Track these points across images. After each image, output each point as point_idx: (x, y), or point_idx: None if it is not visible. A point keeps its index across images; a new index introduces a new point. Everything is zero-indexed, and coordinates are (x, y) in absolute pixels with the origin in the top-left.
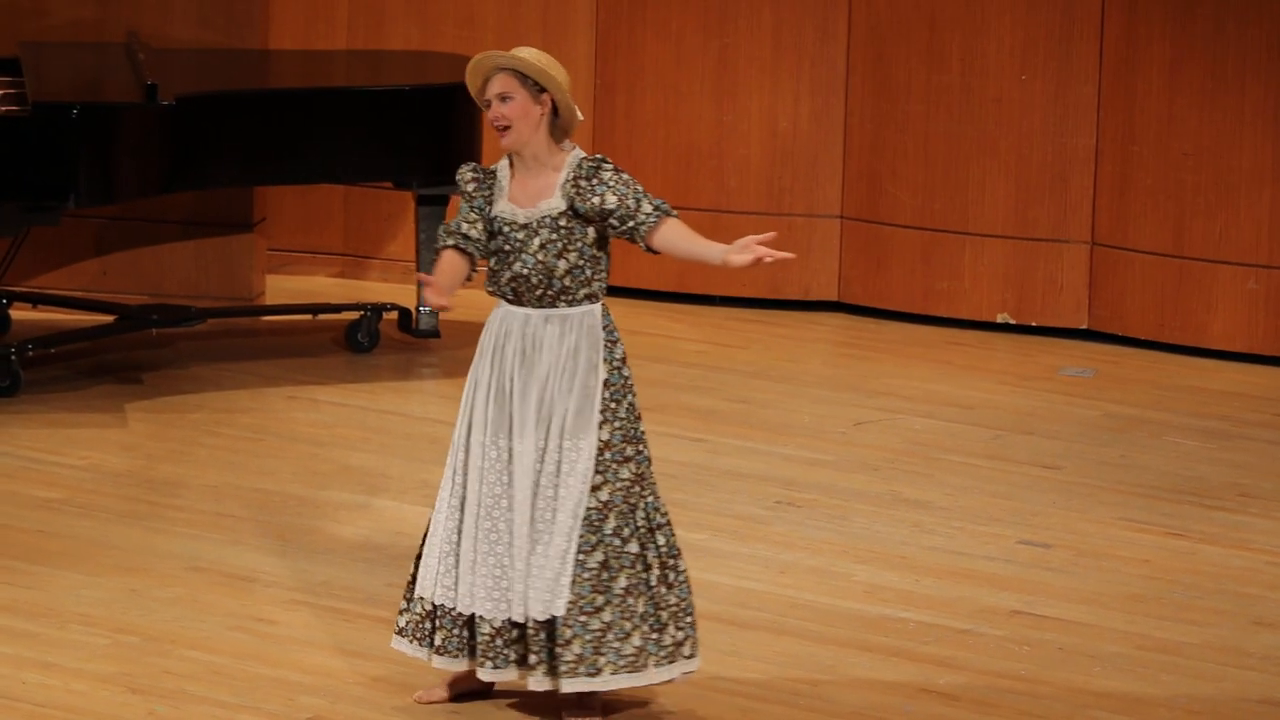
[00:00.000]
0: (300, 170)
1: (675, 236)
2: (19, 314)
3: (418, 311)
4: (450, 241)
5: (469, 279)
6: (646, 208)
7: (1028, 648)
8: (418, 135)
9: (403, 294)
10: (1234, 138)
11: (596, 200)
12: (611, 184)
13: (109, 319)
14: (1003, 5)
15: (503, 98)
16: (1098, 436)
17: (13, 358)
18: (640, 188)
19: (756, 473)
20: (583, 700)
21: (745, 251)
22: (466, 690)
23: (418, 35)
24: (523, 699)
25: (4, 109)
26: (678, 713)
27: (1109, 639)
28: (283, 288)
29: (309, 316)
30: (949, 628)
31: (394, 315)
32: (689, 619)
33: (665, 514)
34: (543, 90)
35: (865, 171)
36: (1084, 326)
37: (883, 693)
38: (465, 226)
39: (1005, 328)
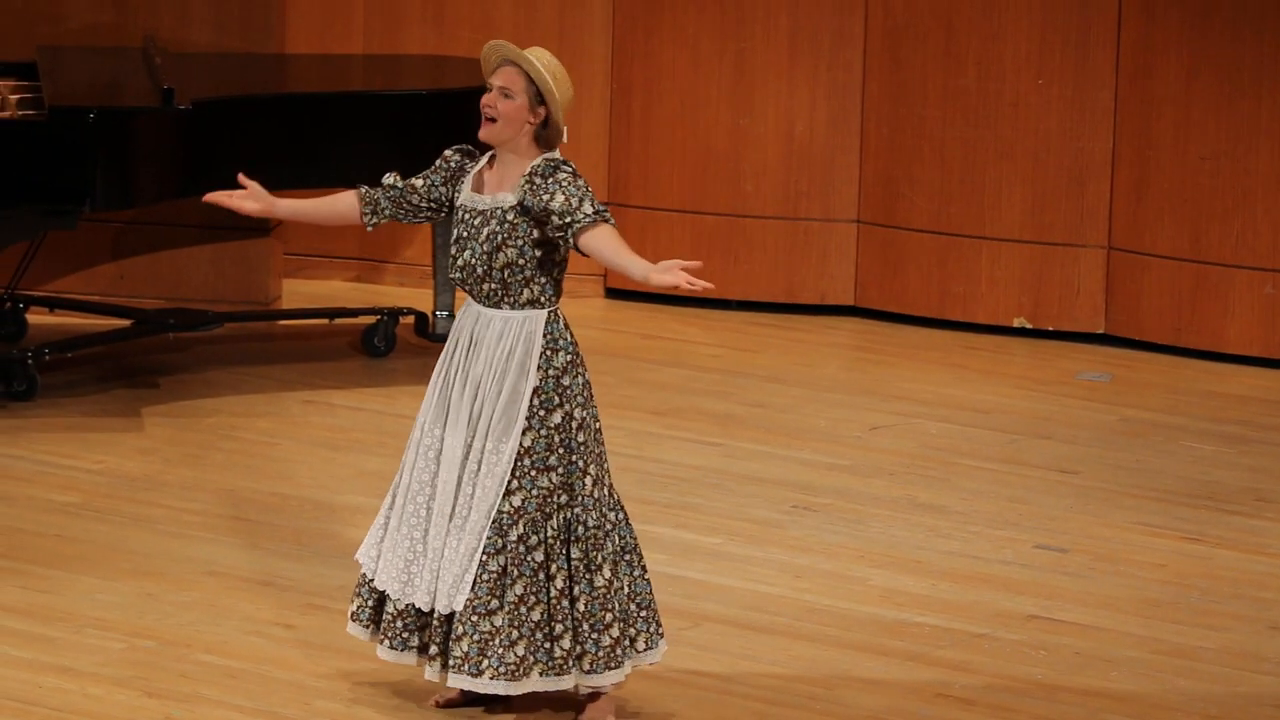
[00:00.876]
0: (317, 174)
1: (603, 242)
2: (36, 318)
3: (434, 316)
4: (364, 187)
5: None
6: (586, 209)
7: (1044, 652)
8: (434, 139)
9: (419, 298)
10: (1251, 142)
11: (545, 197)
12: (564, 184)
13: (126, 323)
14: (1019, 10)
15: (504, 92)
16: (1114, 441)
17: (30, 362)
18: (590, 192)
19: (772, 477)
20: (596, 701)
21: (668, 273)
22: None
23: (434, 39)
24: (539, 702)
25: (21, 113)
26: (694, 716)
27: (1125, 643)
28: (299, 292)
29: (325, 321)
30: (965, 632)
31: (410, 319)
32: (595, 635)
33: (596, 527)
34: (543, 101)
35: (882, 176)
36: (1101, 331)
37: (899, 697)
38: (410, 181)
39: (1022, 332)
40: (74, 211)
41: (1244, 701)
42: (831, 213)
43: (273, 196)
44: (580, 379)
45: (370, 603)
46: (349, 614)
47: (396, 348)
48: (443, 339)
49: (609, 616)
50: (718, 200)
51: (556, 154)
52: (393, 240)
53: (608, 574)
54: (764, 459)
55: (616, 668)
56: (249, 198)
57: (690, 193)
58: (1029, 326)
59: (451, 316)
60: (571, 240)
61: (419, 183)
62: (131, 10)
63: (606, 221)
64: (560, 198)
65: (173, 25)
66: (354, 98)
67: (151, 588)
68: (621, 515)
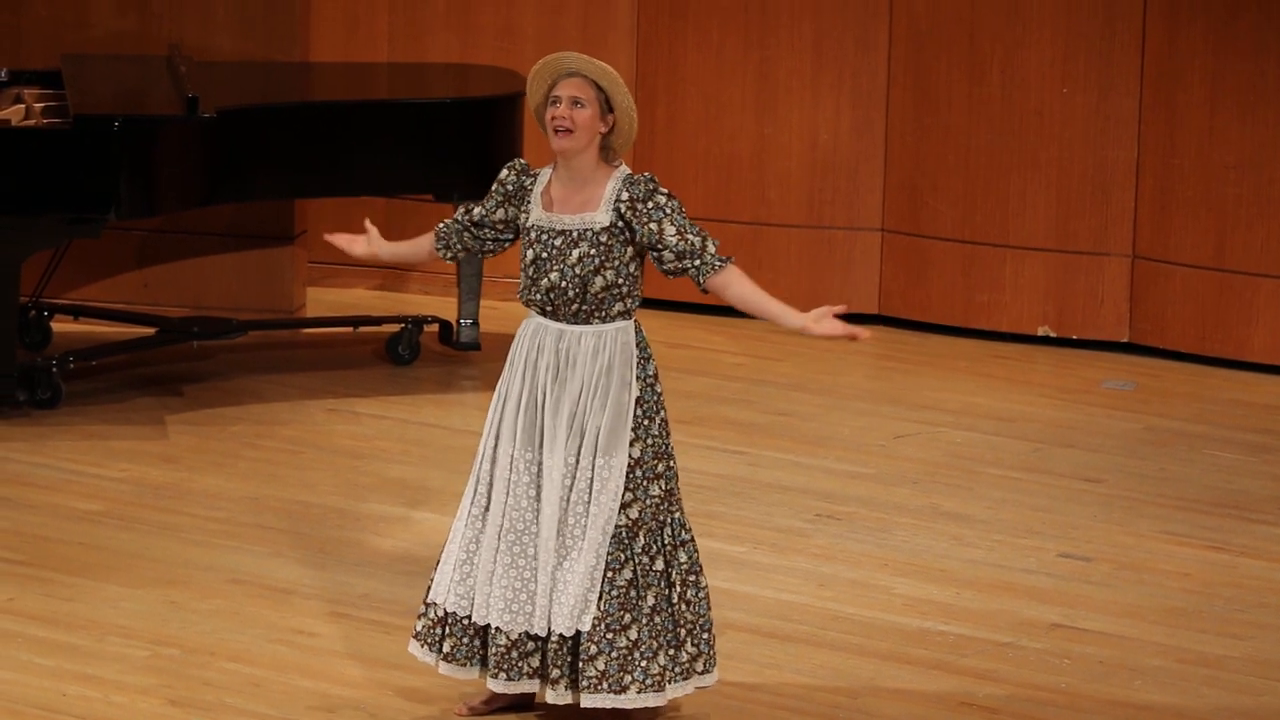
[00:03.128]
0: (341, 183)
1: (740, 288)
2: (60, 326)
3: (458, 324)
4: (441, 223)
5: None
6: (711, 250)
7: (1068, 661)
8: (458, 148)
9: (443, 306)
10: (1275, 150)
11: (654, 227)
12: (668, 212)
13: (150, 331)
14: (1043, 18)
15: (575, 101)
16: (1138, 450)
17: (54, 370)
18: (692, 223)
19: (797, 485)
20: (616, 714)
21: (825, 322)
22: (506, 704)
23: (458, 47)
24: (562, 713)
25: (46, 122)
26: None
27: (1149, 652)
28: (323, 300)
29: (349, 329)
30: (989, 641)
31: (434, 328)
32: (705, 635)
33: (689, 530)
34: (611, 110)
35: (906, 184)
36: (1125, 339)
37: (923, 705)
38: (477, 215)
39: (1046, 340)
40: (98, 220)
41: (1270, 712)
42: (855, 221)
43: (382, 240)
44: (660, 384)
45: (466, 639)
46: (439, 655)
47: (420, 356)
48: (466, 347)
49: (710, 616)
50: (741, 208)
51: (624, 166)
52: None
53: (704, 576)
54: (788, 467)
55: (715, 665)
56: (358, 242)
57: (714, 201)
58: (1053, 335)
59: (475, 325)
60: (700, 282)
61: (478, 211)
62: (156, 19)
63: (731, 262)
64: (671, 229)
65: (197, 33)
66: (378, 106)
67: (175, 596)
68: None
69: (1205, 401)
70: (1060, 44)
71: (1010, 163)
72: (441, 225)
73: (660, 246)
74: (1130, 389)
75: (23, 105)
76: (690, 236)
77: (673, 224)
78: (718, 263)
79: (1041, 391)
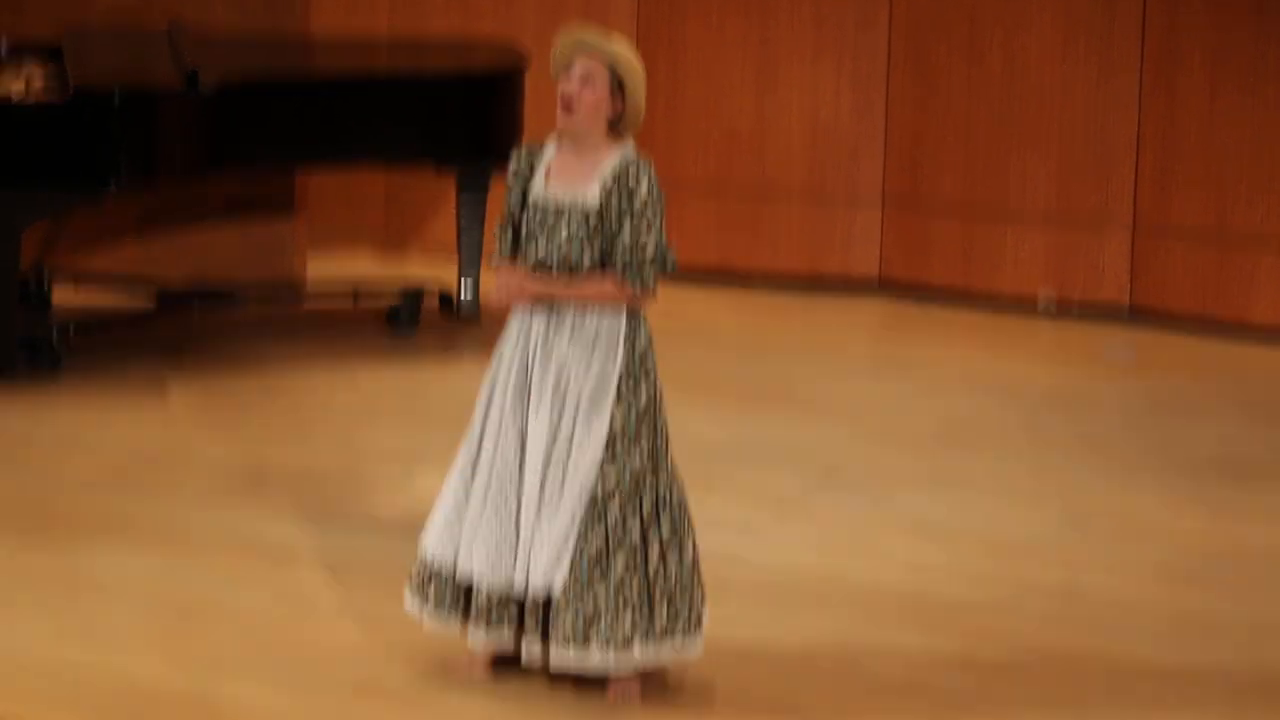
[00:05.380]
0: (342, 155)
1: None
2: (62, 294)
3: (459, 294)
4: (503, 257)
5: None
6: (649, 271)
7: (1069, 623)
8: (459, 120)
9: (444, 277)
10: (1275, 121)
11: (615, 220)
12: (636, 212)
13: (150, 300)
14: None
15: (586, 79)
16: (1139, 416)
17: (55, 338)
18: (655, 231)
19: (797, 450)
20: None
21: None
22: (507, 662)
23: (459, 19)
24: (568, 675)
25: (47, 95)
26: (719, 685)
27: (1149, 614)
28: (324, 271)
29: (350, 299)
30: (989, 602)
31: (435, 298)
32: (686, 603)
33: (678, 498)
34: (623, 95)
35: (906, 156)
36: (1126, 308)
37: (923, 667)
38: (508, 233)
39: (1047, 310)
40: (99, 192)
41: (1268, 672)
42: (856, 194)
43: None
44: (654, 354)
45: (450, 590)
46: (424, 602)
47: (421, 326)
48: (467, 317)
49: (697, 584)
50: (742, 181)
51: (631, 147)
52: (418, 219)
53: (691, 543)
54: (789, 432)
55: (700, 635)
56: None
57: (715, 176)
58: (1054, 304)
59: (476, 295)
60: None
61: (507, 211)
62: None
63: (634, 285)
64: (628, 231)
65: (197, 7)
66: (379, 79)
67: (176, 559)
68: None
69: (1206, 368)
70: (1061, 17)
71: (1010, 139)
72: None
73: (613, 242)
74: (1131, 357)
75: (24, 79)
76: (643, 241)
77: (632, 226)
78: (642, 282)
79: (1042, 360)
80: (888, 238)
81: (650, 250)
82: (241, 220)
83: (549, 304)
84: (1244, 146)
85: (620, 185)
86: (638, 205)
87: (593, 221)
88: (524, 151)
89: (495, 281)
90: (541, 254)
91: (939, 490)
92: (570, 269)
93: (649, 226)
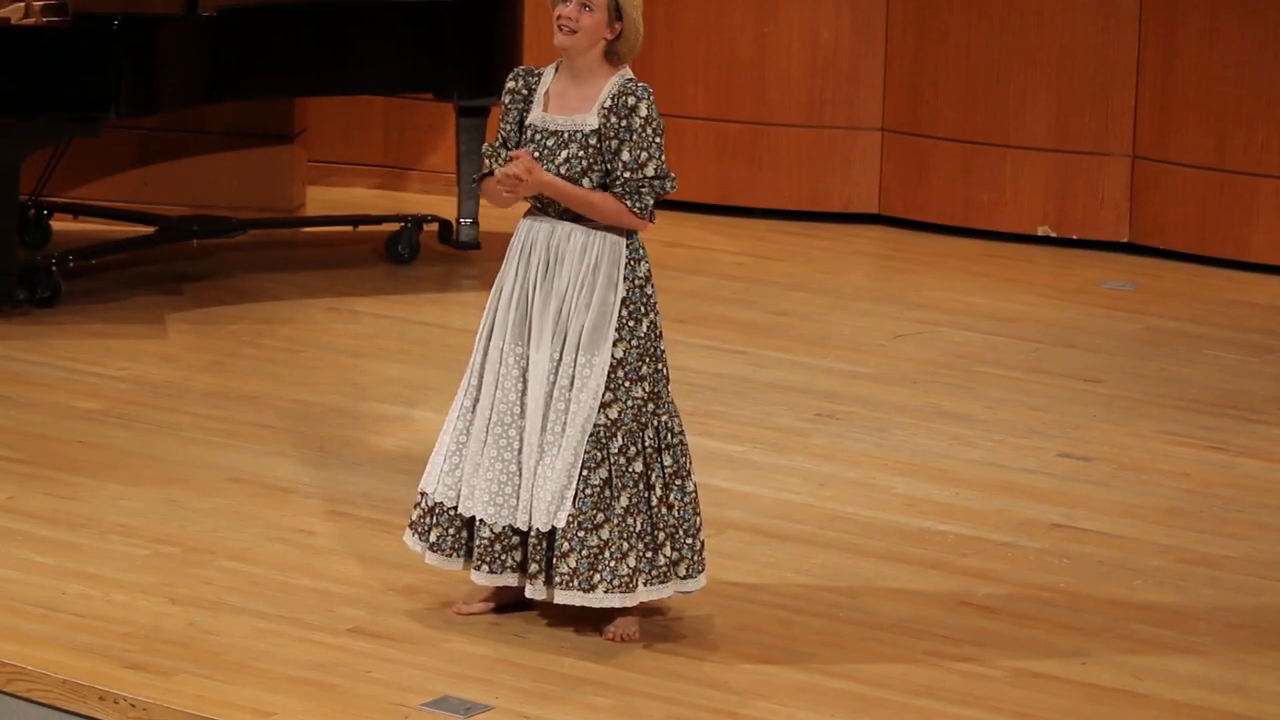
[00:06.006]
0: (341, 81)
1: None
2: (60, 225)
3: (458, 223)
4: (488, 169)
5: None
6: (648, 198)
7: (1067, 561)
8: (459, 47)
9: (443, 205)
10: (1276, 50)
11: (614, 144)
12: (635, 134)
13: (149, 230)
14: None
15: (584, 5)
16: (1138, 350)
17: (53, 268)
18: (653, 156)
19: (796, 385)
20: (622, 610)
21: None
22: (506, 602)
23: None
24: (562, 611)
25: (46, 20)
26: (718, 624)
27: (1149, 552)
28: (323, 199)
29: (349, 228)
30: (988, 540)
31: (434, 227)
32: (690, 540)
33: (678, 433)
34: (620, 18)
35: (906, 84)
36: (1125, 240)
37: (922, 605)
38: (499, 148)
39: (1046, 240)
40: (98, 118)
41: (1269, 610)
42: (856, 121)
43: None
44: (652, 286)
45: (452, 530)
46: (426, 544)
47: (420, 255)
48: (465, 246)
49: (698, 520)
50: (742, 108)
51: (628, 71)
52: (417, 147)
53: (692, 480)
54: (788, 367)
55: (702, 570)
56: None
57: (715, 100)
58: (1053, 235)
59: (475, 224)
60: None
61: (504, 129)
62: None
63: (648, 222)
64: (626, 155)
65: None
66: (378, 4)
67: (175, 494)
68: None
69: (1205, 302)
70: None
71: (1011, 63)
72: (484, 172)
73: (612, 164)
74: (1130, 289)
75: (22, 4)
76: (642, 161)
77: (630, 148)
78: (641, 203)
79: (1041, 291)
80: (887, 164)
81: (650, 171)
82: (240, 149)
83: (547, 236)
84: (1244, 71)
85: (619, 109)
86: (636, 126)
87: (592, 144)
88: (522, 73)
89: (498, 175)
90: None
91: (938, 426)
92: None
93: (648, 148)
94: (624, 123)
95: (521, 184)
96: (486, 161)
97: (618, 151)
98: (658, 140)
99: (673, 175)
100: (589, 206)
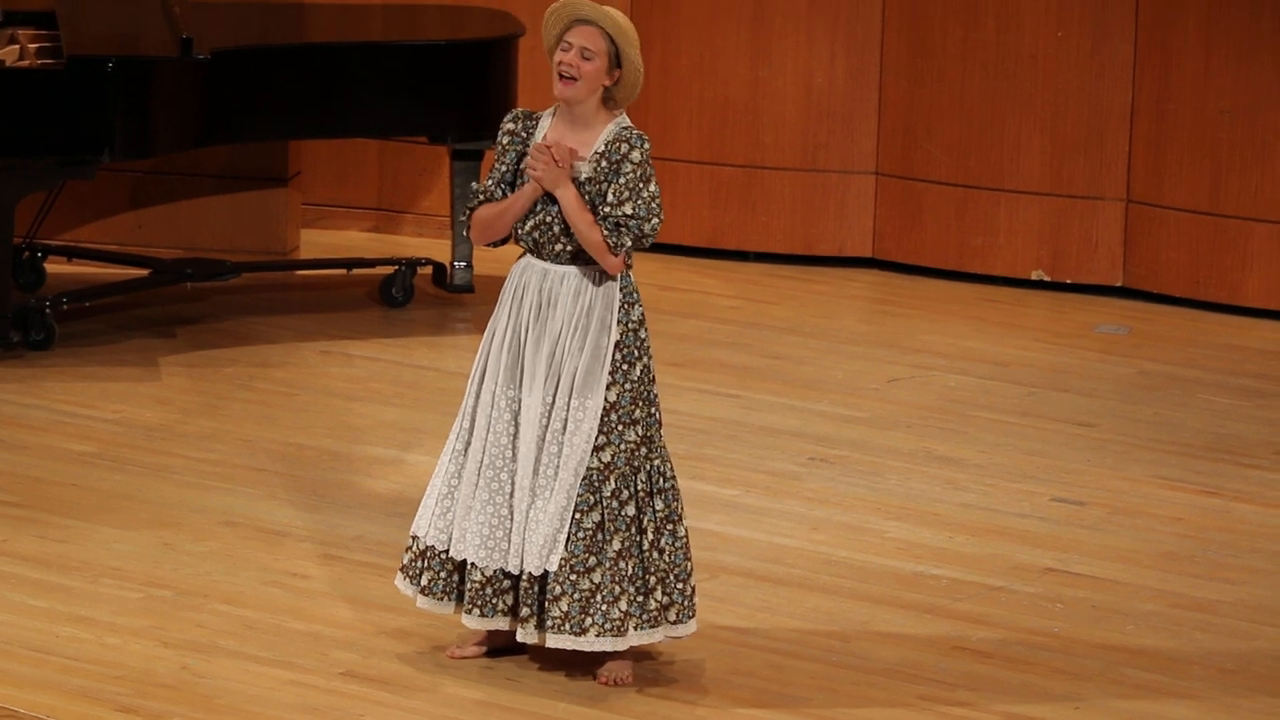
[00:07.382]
0: (335, 125)
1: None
2: (54, 267)
3: (452, 266)
4: (479, 200)
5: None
6: (627, 239)
7: (1061, 605)
8: (453, 90)
9: (437, 248)
10: (1270, 94)
11: (603, 187)
12: (623, 179)
13: (143, 273)
14: None
15: (584, 53)
16: (1132, 394)
17: (47, 311)
18: (640, 198)
19: (789, 429)
20: (613, 653)
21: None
22: (499, 646)
23: None
24: (555, 655)
25: (40, 63)
26: (711, 668)
27: (1142, 597)
28: (317, 242)
29: (343, 271)
30: (982, 585)
31: (428, 270)
32: (680, 585)
33: (670, 478)
34: (620, 65)
35: (900, 128)
36: (1119, 284)
37: (916, 649)
38: (492, 187)
39: (1040, 285)
40: (92, 161)
41: (1261, 656)
42: (850, 164)
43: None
44: (646, 330)
45: (444, 574)
46: (418, 587)
47: (414, 298)
48: (459, 289)
49: (689, 565)
50: (736, 152)
51: (625, 118)
52: (411, 190)
53: (684, 523)
54: (781, 411)
55: (693, 616)
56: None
57: (708, 144)
58: (1047, 279)
59: (469, 267)
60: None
61: (499, 169)
62: None
63: (615, 248)
64: (610, 196)
65: None
66: (373, 48)
67: (168, 537)
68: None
69: (1199, 346)
70: None
71: (1005, 107)
72: (473, 205)
73: (599, 202)
74: (1124, 333)
75: (17, 45)
76: (624, 201)
77: (615, 190)
78: (616, 240)
79: (1035, 336)
80: (881, 208)
81: (627, 210)
82: (234, 192)
83: (539, 280)
84: (1238, 115)
85: (611, 154)
86: (626, 171)
87: (587, 190)
88: (521, 115)
89: (537, 146)
90: (542, 218)
91: (931, 470)
92: (567, 235)
93: (631, 192)
94: (614, 168)
95: (549, 167)
96: (479, 198)
97: (604, 192)
98: (643, 185)
99: (655, 220)
100: (583, 223)
